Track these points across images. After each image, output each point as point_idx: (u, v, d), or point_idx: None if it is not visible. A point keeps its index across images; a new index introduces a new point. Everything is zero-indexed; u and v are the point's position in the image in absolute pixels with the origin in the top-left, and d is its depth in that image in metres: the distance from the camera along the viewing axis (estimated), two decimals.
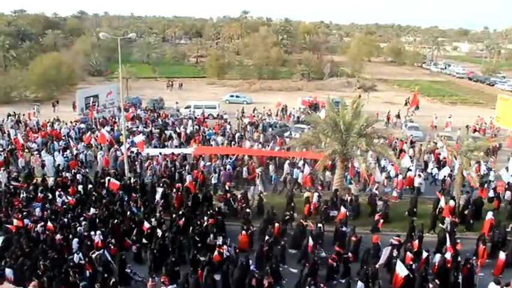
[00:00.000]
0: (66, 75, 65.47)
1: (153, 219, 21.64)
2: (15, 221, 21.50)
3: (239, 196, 25.29)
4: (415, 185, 28.41)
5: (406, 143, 37.30)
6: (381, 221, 23.43)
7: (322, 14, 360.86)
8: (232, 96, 62.36)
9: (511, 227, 22.84)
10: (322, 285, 17.37)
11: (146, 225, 21.05)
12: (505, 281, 17.91)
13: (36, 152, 31.89)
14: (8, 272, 17.92)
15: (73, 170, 28.94)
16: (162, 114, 47.59)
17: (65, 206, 23.37)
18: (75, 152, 32.63)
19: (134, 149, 32.17)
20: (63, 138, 36.74)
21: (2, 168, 29.17)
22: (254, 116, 46.66)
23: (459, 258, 19.34)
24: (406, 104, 54.91)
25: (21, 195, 24.82)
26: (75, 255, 18.98)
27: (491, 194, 27.30)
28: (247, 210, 23.37)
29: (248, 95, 63.90)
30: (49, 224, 21.11)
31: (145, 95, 58.97)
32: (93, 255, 19.01)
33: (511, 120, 44.55)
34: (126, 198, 24.46)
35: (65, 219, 21.61)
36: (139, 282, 18.37)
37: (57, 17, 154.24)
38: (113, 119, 44.27)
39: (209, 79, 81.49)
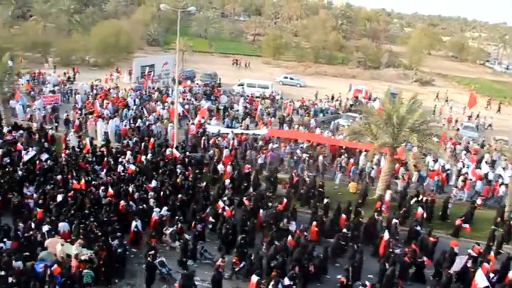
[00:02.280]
0: (125, 43, 65.96)
1: (225, 199, 21.26)
2: (77, 182, 21.54)
3: (307, 182, 24.58)
4: (500, 194, 26.53)
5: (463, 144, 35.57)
6: (465, 225, 22.06)
7: (384, 2, 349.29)
8: (286, 77, 60.60)
9: None
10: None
11: (220, 204, 20.58)
12: None
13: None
14: (62, 225, 17.66)
15: (134, 138, 28.80)
16: (215, 90, 46.84)
17: (124, 173, 23.33)
18: (147, 123, 32.28)
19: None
20: (131, 107, 36.33)
21: (73, 131, 29.79)
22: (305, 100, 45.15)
23: None
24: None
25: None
26: (133, 222, 18.70)
27: None
28: (326, 200, 22.57)
29: (302, 78, 62.23)
30: (110, 190, 20.96)
31: (198, 69, 58.47)
32: (167, 232, 18.72)
33: None
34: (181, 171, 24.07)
35: (129, 188, 21.30)
36: (209, 260, 17.94)
37: None
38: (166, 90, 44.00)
39: (264, 58, 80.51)
